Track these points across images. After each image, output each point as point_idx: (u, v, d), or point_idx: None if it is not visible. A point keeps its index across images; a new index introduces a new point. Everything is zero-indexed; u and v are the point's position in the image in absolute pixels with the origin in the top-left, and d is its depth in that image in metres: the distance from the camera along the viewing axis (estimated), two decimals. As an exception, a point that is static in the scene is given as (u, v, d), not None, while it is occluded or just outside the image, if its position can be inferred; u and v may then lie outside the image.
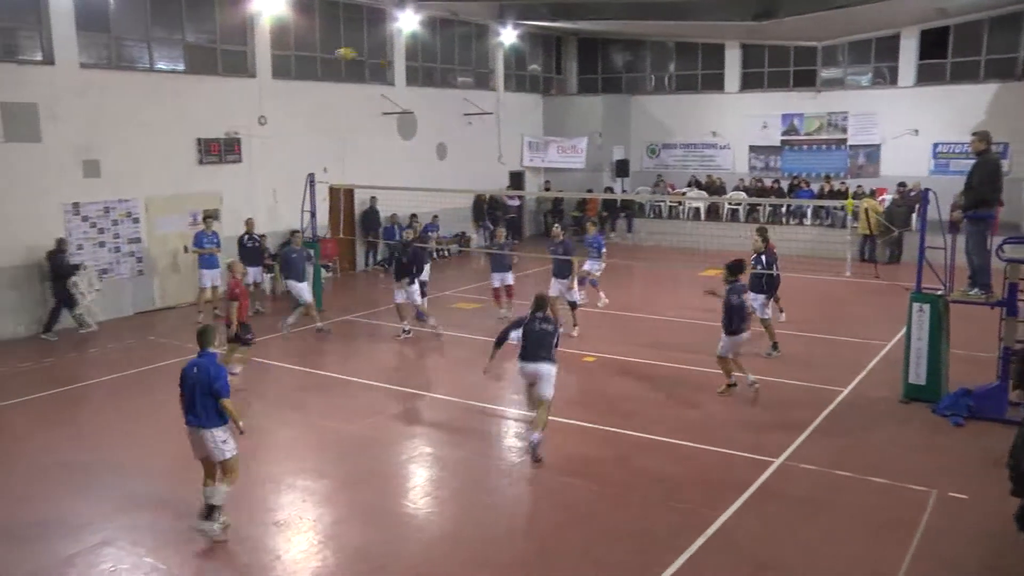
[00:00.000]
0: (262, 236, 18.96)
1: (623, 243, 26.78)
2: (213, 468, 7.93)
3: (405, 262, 15.15)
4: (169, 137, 17.90)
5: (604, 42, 30.97)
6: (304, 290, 15.62)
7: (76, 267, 15.96)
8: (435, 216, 22.89)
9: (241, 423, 7.89)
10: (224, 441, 7.80)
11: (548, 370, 9.74)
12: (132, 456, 10.00)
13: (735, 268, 11.98)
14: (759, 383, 11.92)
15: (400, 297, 15.23)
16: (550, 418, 9.88)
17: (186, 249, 17.85)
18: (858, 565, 7.38)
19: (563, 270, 15.46)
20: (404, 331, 15.38)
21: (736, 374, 11.96)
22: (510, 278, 16.63)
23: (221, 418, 7.77)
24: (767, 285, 13.73)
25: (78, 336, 15.83)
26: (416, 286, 15.24)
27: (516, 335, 9.86)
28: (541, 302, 10.14)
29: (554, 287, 15.42)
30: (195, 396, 7.72)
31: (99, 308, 16.40)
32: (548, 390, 9.75)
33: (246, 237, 17.65)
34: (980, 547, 7.65)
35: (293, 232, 16.56)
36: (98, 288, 16.36)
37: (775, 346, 13.85)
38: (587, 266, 16.97)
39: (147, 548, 7.78)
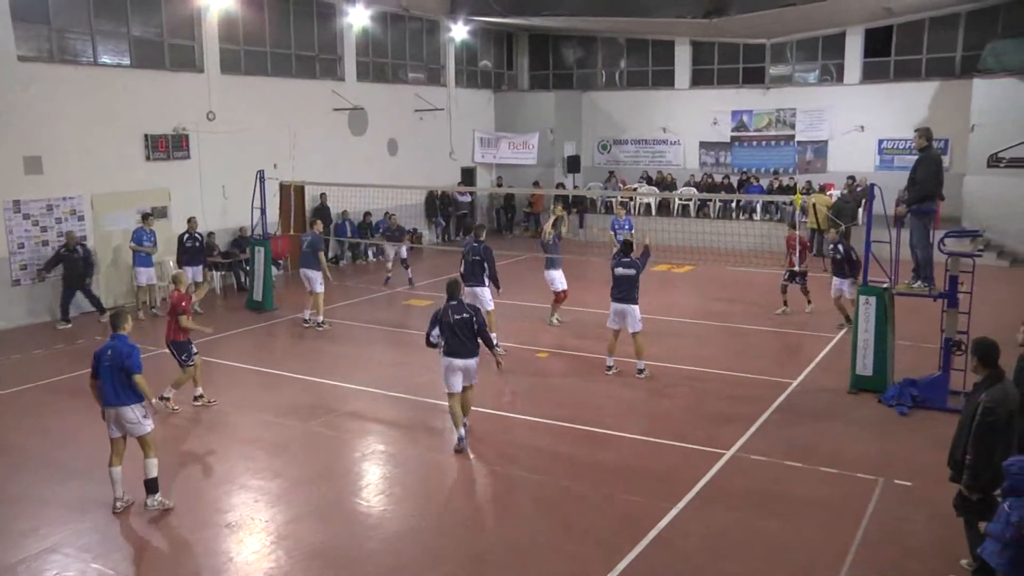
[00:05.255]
0: (210, 234, 18.75)
1: (575, 239, 26.83)
2: (123, 449, 8.42)
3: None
4: (115, 133, 17.53)
5: (555, 38, 31.03)
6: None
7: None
8: (387, 213, 22.74)
9: (154, 400, 8.59)
10: (144, 416, 8.37)
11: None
12: (80, 460, 9.78)
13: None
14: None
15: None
16: (503, 414, 9.88)
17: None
18: (808, 552, 7.52)
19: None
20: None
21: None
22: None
23: (137, 396, 8.27)
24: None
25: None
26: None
27: (435, 333, 9.71)
28: (453, 288, 9.98)
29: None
30: (111, 377, 8.20)
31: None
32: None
33: (186, 236, 17.37)
34: (924, 532, 7.85)
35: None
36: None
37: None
38: None
39: (94, 554, 7.62)
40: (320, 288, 15.72)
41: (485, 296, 13.56)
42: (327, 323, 15.79)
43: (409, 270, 19.94)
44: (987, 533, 6.04)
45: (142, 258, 16.74)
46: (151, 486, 8.33)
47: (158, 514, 8.30)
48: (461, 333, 9.63)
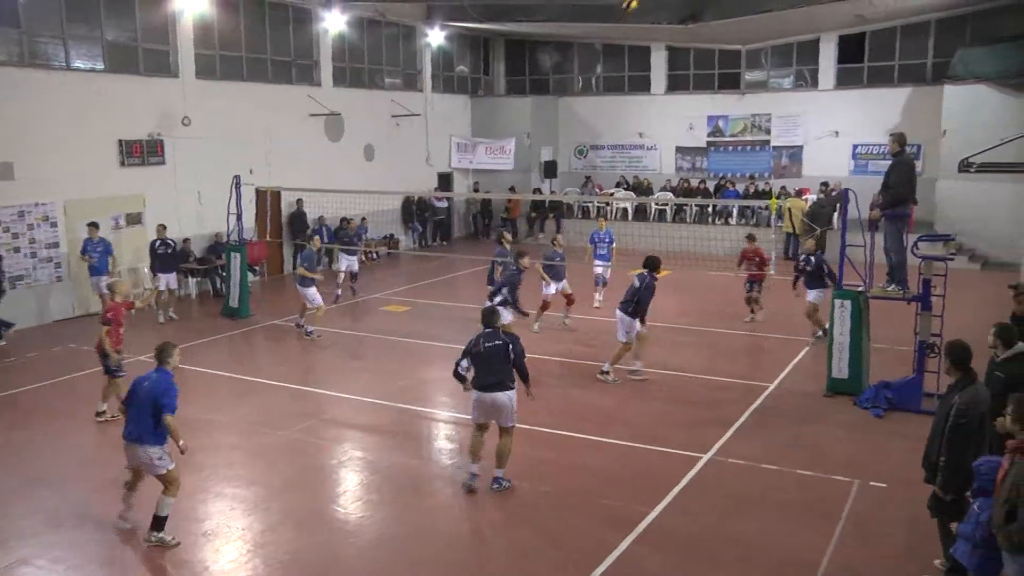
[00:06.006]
0: (185, 240, 18.62)
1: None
2: (140, 478, 7.96)
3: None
4: (88, 138, 17.34)
5: (532, 44, 31.08)
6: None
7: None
8: (363, 218, 22.66)
9: (181, 442, 7.72)
10: (160, 458, 7.71)
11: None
12: (53, 470, 9.66)
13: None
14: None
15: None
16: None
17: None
18: (785, 554, 7.57)
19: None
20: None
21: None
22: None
23: (157, 437, 7.67)
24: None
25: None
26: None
27: (463, 363, 8.82)
28: (489, 316, 9.01)
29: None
30: (139, 409, 7.66)
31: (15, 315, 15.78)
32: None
33: (158, 243, 17.10)
34: (899, 533, 7.93)
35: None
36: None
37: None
38: (600, 269, 17.34)
39: (67, 565, 7.53)
40: (316, 302, 15.25)
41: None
42: (317, 334, 15.44)
43: (354, 283, 19.16)
44: (958, 534, 6.12)
45: (93, 267, 16.33)
46: (156, 523, 7.76)
47: (134, 524, 8.09)
48: (492, 363, 8.63)
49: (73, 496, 8.93)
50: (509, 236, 16.42)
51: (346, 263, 18.98)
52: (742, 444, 10.09)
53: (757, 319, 15.94)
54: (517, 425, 9.03)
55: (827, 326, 13.56)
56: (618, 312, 12.44)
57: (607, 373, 12.53)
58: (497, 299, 13.13)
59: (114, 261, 16.64)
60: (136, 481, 7.99)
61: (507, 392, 8.66)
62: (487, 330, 8.82)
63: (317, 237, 16.91)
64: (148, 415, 7.61)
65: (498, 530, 8.14)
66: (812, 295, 14.34)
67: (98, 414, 11.10)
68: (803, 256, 14.70)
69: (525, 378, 8.89)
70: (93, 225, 16.49)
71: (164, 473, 7.76)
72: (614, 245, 17.71)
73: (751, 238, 16.02)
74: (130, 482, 8.01)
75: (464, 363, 8.78)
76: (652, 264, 12.40)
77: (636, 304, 12.26)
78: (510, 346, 8.68)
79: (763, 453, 9.77)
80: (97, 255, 16.33)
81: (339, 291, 18.69)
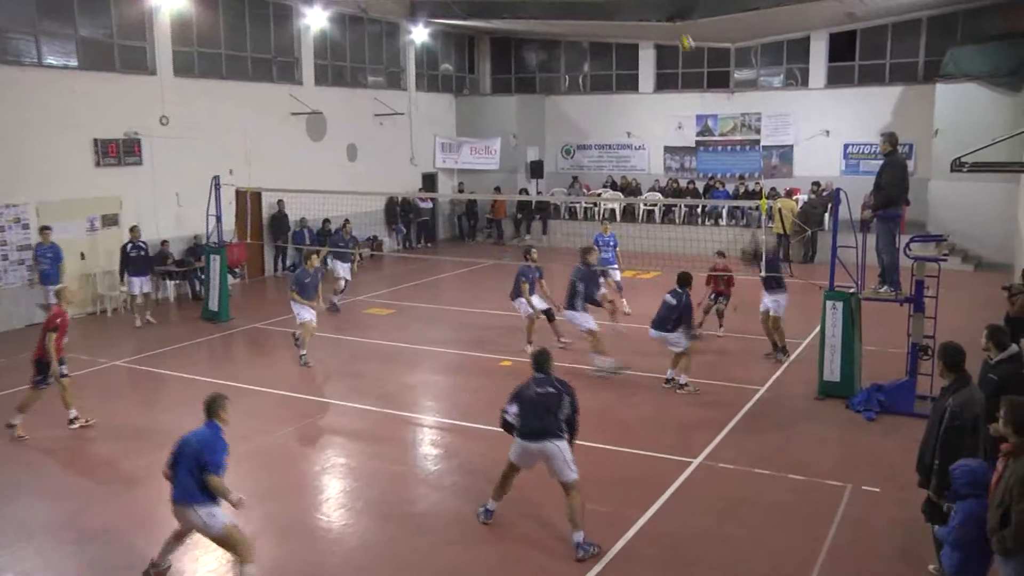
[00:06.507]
0: (163, 242, 18.28)
1: (538, 245, 26.64)
2: (187, 534, 7.21)
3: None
4: (62, 137, 16.95)
5: (518, 41, 30.85)
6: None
7: None
8: (347, 220, 22.36)
9: (232, 496, 6.81)
10: (211, 514, 6.80)
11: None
12: (24, 479, 9.38)
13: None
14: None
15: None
16: (467, 424, 9.58)
17: (83, 256, 17.04)
18: (777, 559, 7.43)
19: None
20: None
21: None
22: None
23: (206, 493, 6.79)
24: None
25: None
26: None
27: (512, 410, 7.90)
28: (541, 359, 8.12)
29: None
30: (185, 468, 6.79)
31: None
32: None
33: (130, 246, 16.65)
34: (892, 537, 7.79)
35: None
36: None
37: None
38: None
39: (35, 578, 7.28)
40: (304, 318, 13.83)
41: (577, 319, 13.16)
42: (308, 361, 13.90)
43: (341, 295, 17.92)
44: (938, 537, 6.18)
45: (43, 275, 15.73)
46: None
47: (112, 533, 7.80)
48: (540, 410, 7.74)
49: (44, 506, 8.70)
50: (535, 254, 14.98)
51: (342, 270, 18.02)
52: (732, 448, 9.93)
53: (720, 332, 15.30)
54: (495, 429, 8.66)
55: (784, 345, 13.55)
56: (653, 332, 12.19)
57: (685, 385, 12.11)
58: (579, 303, 13.05)
59: (63, 269, 15.75)
60: (184, 532, 7.19)
61: (556, 441, 7.70)
62: (539, 375, 7.96)
63: (315, 256, 14.97)
64: (195, 474, 6.74)
65: (485, 537, 7.94)
66: (768, 300, 13.54)
67: (70, 422, 10.79)
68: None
69: (572, 434, 7.93)
70: (46, 228, 15.97)
71: (223, 532, 6.84)
72: (618, 248, 17.43)
73: (720, 255, 15.40)
74: (179, 531, 7.19)
75: (513, 409, 7.85)
76: (686, 280, 12.24)
77: (676, 321, 11.98)
78: (564, 397, 7.81)
79: (754, 457, 9.61)
80: (47, 261, 15.70)
81: (331, 296, 17.60)
